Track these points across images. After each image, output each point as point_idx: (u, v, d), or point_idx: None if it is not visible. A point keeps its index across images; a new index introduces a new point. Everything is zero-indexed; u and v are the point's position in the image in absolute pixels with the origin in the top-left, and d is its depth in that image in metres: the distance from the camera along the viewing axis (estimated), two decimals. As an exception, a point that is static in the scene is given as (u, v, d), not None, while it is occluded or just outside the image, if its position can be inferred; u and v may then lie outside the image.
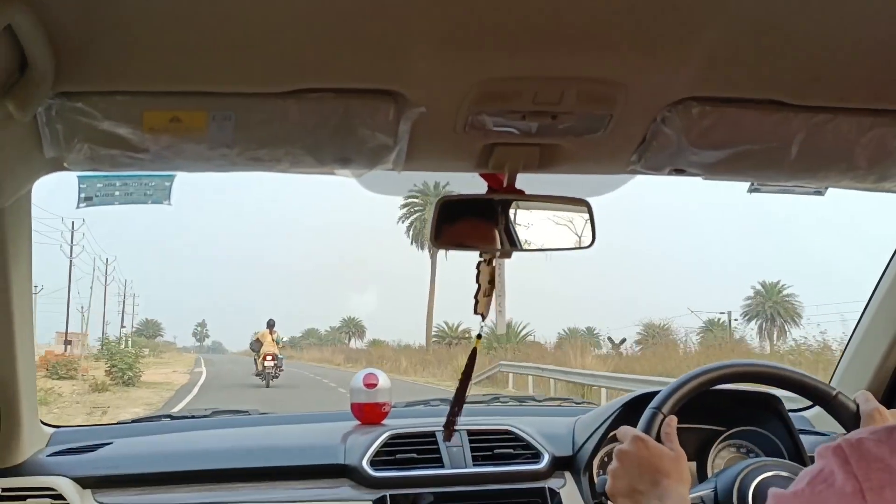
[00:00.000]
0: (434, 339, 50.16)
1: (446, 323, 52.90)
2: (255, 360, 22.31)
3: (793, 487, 0.89)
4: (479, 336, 1.75)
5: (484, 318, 1.72)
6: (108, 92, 1.25)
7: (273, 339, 21.77)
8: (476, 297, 1.71)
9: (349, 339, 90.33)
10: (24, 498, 1.91)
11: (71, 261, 51.85)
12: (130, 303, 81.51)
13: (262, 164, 1.43)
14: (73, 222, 49.07)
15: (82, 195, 1.62)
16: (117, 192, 1.64)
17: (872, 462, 0.82)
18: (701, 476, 2.13)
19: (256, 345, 22.05)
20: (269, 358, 21.01)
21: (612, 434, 2.14)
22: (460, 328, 51.00)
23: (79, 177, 1.59)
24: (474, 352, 1.75)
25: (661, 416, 1.76)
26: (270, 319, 22.24)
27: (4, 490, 1.91)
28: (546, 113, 1.38)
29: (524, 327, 43.33)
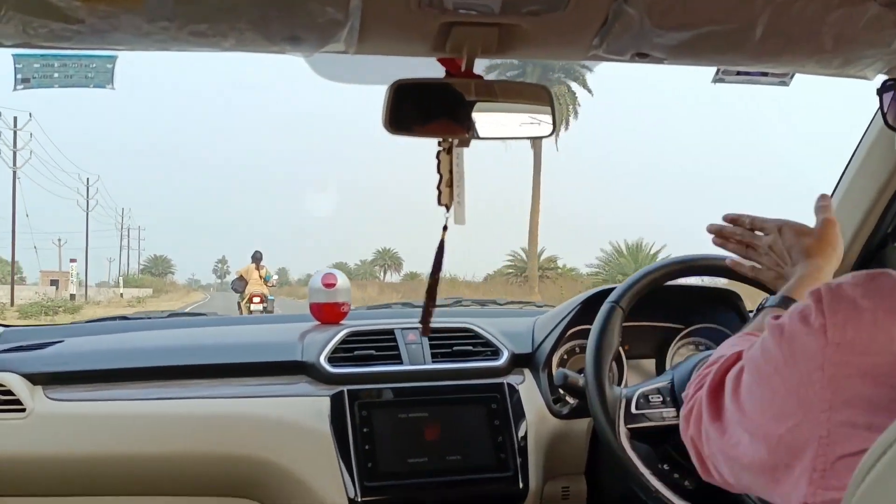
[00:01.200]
0: (509, 271, 45.14)
1: (523, 250, 43.70)
2: (238, 303, 18.26)
3: (780, 319, 0.93)
4: (444, 227, 1.72)
5: (448, 208, 1.69)
6: None
7: (260, 276, 17.94)
8: (438, 187, 1.67)
9: (384, 273, 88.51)
10: None
11: (87, 213, 60.15)
12: (136, 239, 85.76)
13: (206, 40, 1.36)
14: (87, 178, 61.73)
15: (19, 76, 1.54)
16: (56, 74, 1.56)
17: (843, 301, 0.85)
18: (659, 373, 2.14)
19: (239, 283, 18.08)
20: (256, 300, 17.32)
21: (570, 331, 2.14)
22: (543, 256, 43.55)
23: (14, 56, 1.51)
24: (442, 243, 1.72)
25: (619, 310, 1.75)
26: (256, 252, 18.22)
27: None
28: None
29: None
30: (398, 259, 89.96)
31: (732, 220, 1.62)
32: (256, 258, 18.11)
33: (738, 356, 1.07)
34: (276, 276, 19.11)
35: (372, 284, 56.17)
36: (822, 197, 1.55)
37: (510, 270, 45.27)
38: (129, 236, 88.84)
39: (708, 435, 1.05)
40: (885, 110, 1.11)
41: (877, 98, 1.13)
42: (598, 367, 1.72)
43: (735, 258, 1.65)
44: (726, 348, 1.26)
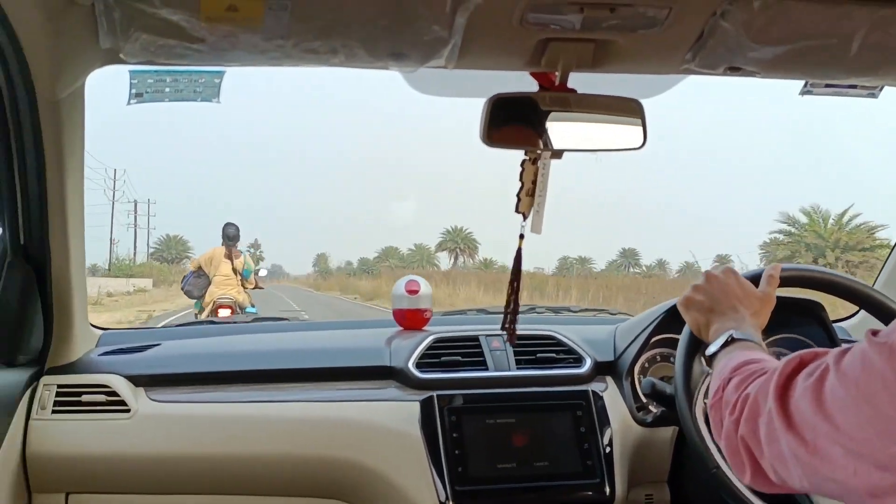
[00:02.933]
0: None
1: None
2: (195, 314, 9.98)
3: (882, 334, 0.92)
4: (521, 236, 1.75)
5: (525, 217, 1.72)
6: None
7: (234, 270, 9.81)
8: (518, 195, 1.71)
9: (455, 259, 76.13)
10: (79, 395, 1.96)
11: (113, 203, 59.96)
12: (144, 216, 70.16)
13: (317, 56, 1.42)
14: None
15: (133, 91, 1.62)
16: (167, 89, 1.63)
17: None
18: None
19: (197, 282, 9.95)
20: (222, 308, 8.98)
21: (654, 340, 2.16)
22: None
23: (130, 72, 1.58)
24: (519, 252, 1.76)
25: None
26: (229, 226, 10.06)
27: (60, 387, 1.95)
28: (604, 5, 1.36)
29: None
30: (472, 242, 76.69)
31: None
32: (229, 237, 10.04)
33: (800, 360, 1.05)
34: (263, 270, 12.83)
35: (431, 276, 38.99)
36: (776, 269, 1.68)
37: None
38: (135, 211, 72.56)
39: (775, 440, 1.03)
40: None
41: None
42: (687, 369, 1.73)
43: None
44: (735, 360, 1.29)
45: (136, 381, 2.01)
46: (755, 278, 1.64)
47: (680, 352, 1.75)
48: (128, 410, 1.95)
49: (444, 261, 76.89)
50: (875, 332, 0.94)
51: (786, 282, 1.76)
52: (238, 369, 2.09)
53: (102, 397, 1.96)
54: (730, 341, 1.41)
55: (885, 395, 0.87)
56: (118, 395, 1.96)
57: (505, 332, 1.89)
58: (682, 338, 1.76)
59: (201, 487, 2.00)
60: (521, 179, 1.70)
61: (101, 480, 1.95)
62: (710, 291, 1.55)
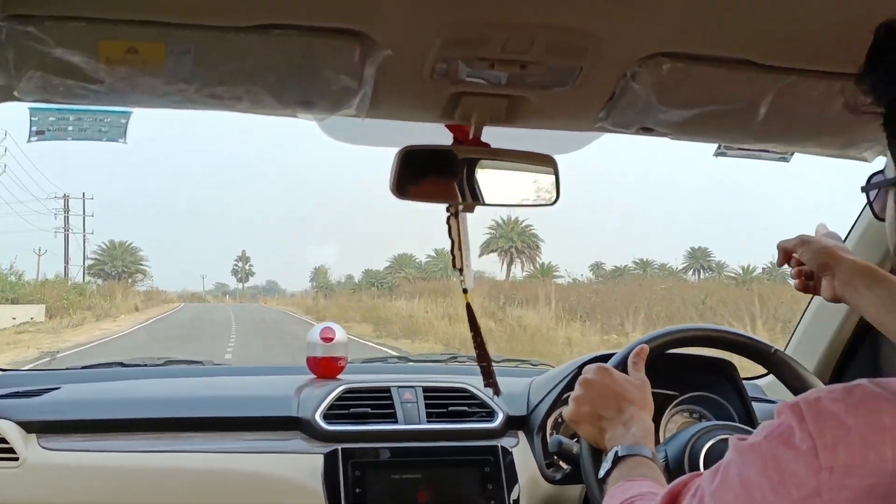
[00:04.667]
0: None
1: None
2: None
3: (751, 439, 0.88)
4: (464, 290, 1.73)
5: (461, 272, 1.70)
6: (61, 17, 1.19)
7: None
8: (452, 252, 1.69)
9: (506, 265, 60.96)
10: None
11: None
12: (79, 216, 57.48)
13: (222, 102, 1.39)
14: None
15: (34, 128, 1.56)
16: (70, 128, 1.58)
17: (828, 420, 0.81)
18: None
19: None
20: None
21: (566, 395, 2.14)
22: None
23: (30, 109, 1.53)
24: (468, 307, 1.74)
25: None
26: None
27: None
28: (515, 62, 1.36)
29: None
30: (534, 239, 61.64)
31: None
32: None
33: (672, 493, 1.02)
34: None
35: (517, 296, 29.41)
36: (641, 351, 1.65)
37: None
38: (65, 209, 57.39)
39: None
40: (872, 201, 1.12)
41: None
42: None
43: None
44: (619, 497, 1.25)
45: (28, 427, 1.93)
46: (625, 364, 1.64)
47: None
48: (16, 458, 1.87)
49: (489, 266, 61.57)
50: (742, 438, 0.91)
51: (664, 347, 1.78)
52: (137, 417, 2.02)
53: None
54: (617, 459, 1.40)
55: (734, 502, 0.86)
56: (7, 443, 1.87)
57: (490, 387, 1.83)
58: None
59: None
60: (450, 236, 1.69)
61: None
62: (592, 399, 1.52)
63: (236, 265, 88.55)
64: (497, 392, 1.82)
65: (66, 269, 55.75)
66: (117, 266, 69.89)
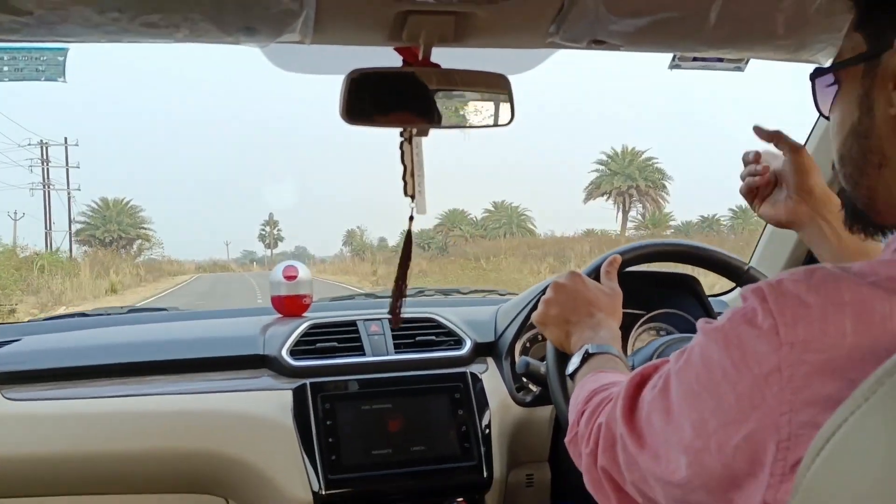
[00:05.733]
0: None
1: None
2: None
3: (715, 322, 0.90)
4: (410, 217, 1.71)
5: (413, 199, 1.68)
6: None
7: None
8: (403, 178, 1.66)
9: (628, 211, 51.78)
10: None
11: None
12: (62, 167, 45.95)
13: (159, 31, 1.34)
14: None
15: (-33, 70, 1.51)
16: (6, 68, 1.52)
17: (789, 299, 0.82)
18: None
19: None
20: None
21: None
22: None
23: (-38, 49, 1.48)
24: (408, 234, 1.71)
25: None
26: None
27: None
28: None
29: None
30: (660, 176, 52.55)
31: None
32: None
33: (642, 374, 1.03)
34: None
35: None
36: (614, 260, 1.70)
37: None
38: (44, 159, 46.25)
39: (633, 462, 0.99)
40: (816, 96, 1.08)
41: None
42: (559, 351, 1.73)
43: None
44: (586, 388, 1.27)
45: None
46: (597, 272, 1.67)
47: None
48: None
49: (597, 213, 58.67)
50: (709, 321, 0.92)
51: (637, 261, 1.78)
52: (102, 363, 2.00)
53: None
54: (587, 356, 1.43)
55: (724, 385, 0.85)
56: None
57: (390, 316, 1.82)
58: None
59: (65, 488, 1.91)
60: (402, 162, 1.66)
61: None
62: (562, 302, 1.56)
63: (263, 230, 78.41)
64: (396, 323, 1.80)
65: (47, 236, 45.32)
66: (111, 231, 56.80)
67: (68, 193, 47.43)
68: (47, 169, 46.52)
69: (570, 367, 1.44)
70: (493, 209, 60.20)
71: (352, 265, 51.64)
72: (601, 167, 53.26)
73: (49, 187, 46.18)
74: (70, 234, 48.45)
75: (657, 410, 0.95)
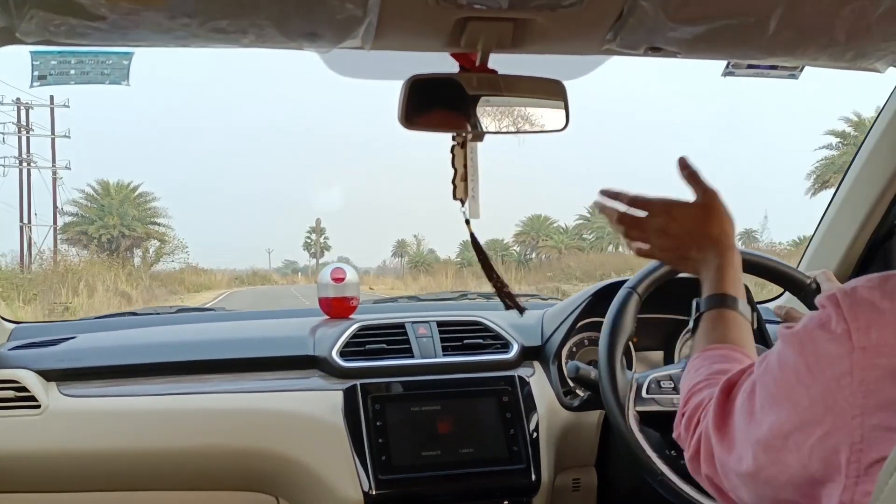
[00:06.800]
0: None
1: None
2: None
3: (793, 328, 0.92)
4: (467, 221, 1.71)
5: (463, 203, 1.69)
6: None
7: None
8: (453, 182, 1.68)
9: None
10: None
11: None
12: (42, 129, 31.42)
13: (226, 36, 1.37)
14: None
15: (36, 73, 1.55)
16: (73, 71, 1.56)
17: (863, 305, 0.84)
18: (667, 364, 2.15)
19: None
20: None
21: (580, 324, 2.15)
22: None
23: (32, 53, 1.51)
24: (472, 237, 1.70)
25: (636, 296, 1.76)
26: None
27: None
28: None
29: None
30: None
31: (613, 195, 1.57)
32: None
33: (730, 382, 1.05)
34: None
35: None
36: (682, 162, 1.51)
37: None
38: (21, 124, 32.28)
39: (725, 468, 1.02)
40: None
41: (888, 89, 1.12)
42: (611, 351, 1.72)
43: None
44: (690, 380, 1.25)
45: (48, 375, 1.95)
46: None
47: (602, 344, 1.75)
48: (38, 406, 1.89)
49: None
50: (789, 326, 0.94)
51: None
52: (156, 361, 2.04)
53: (11, 393, 1.89)
54: (699, 314, 1.39)
55: (799, 388, 0.88)
56: (28, 391, 1.89)
57: (514, 308, 1.72)
58: (604, 330, 1.75)
59: (119, 484, 1.95)
60: (453, 165, 1.67)
61: (11, 479, 1.89)
62: (671, 234, 1.47)
63: (308, 238, 67.46)
64: (521, 311, 1.74)
65: (23, 232, 32.17)
66: (110, 227, 40.38)
67: (53, 173, 33.86)
68: (27, 138, 32.88)
69: (690, 325, 1.41)
70: (588, 216, 49.72)
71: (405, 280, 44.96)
72: (829, 150, 38.41)
73: (29, 164, 32.73)
74: (55, 229, 34.74)
75: (743, 415, 0.98)
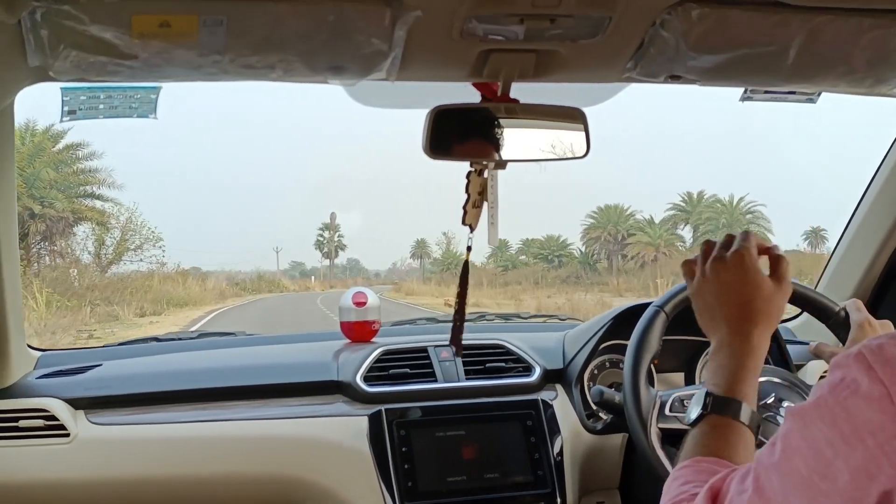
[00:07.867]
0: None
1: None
2: None
3: (813, 398, 0.86)
4: (468, 248, 1.73)
5: (472, 229, 1.70)
6: None
7: None
8: (464, 207, 1.69)
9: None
10: (16, 420, 1.91)
11: None
12: None
13: (255, 71, 1.40)
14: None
15: (66, 108, 1.57)
16: (101, 105, 1.59)
17: (894, 364, 0.80)
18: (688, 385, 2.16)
19: None
20: None
21: (602, 346, 2.16)
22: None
23: (62, 88, 1.54)
24: (466, 264, 1.74)
25: (663, 315, 1.76)
26: None
27: None
28: (544, 16, 1.35)
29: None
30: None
31: None
32: None
33: (711, 491, 0.97)
34: None
35: None
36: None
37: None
38: None
39: None
40: None
41: None
42: (636, 367, 1.72)
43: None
44: (673, 492, 1.11)
45: (76, 403, 1.97)
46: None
47: (628, 360, 1.75)
48: (67, 435, 1.91)
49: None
50: (801, 406, 0.89)
51: None
52: (182, 388, 2.05)
53: (41, 422, 1.91)
54: (703, 413, 1.21)
55: (838, 462, 0.82)
56: (57, 420, 1.91)
57: (452, 346, 1.81)
58: (630, 347, 1.75)
59: None
60: (466, 191, 1.69)
61: None
62: (717, 289, 1.32)
63: (321, 235, 57.43)
64: (458, 352, 1.82)
65: None
66: (47, 208, 27.48)
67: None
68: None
69: (690, 416, 1.24)
70: (684, 205, 43.57)
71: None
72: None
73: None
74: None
75: None
